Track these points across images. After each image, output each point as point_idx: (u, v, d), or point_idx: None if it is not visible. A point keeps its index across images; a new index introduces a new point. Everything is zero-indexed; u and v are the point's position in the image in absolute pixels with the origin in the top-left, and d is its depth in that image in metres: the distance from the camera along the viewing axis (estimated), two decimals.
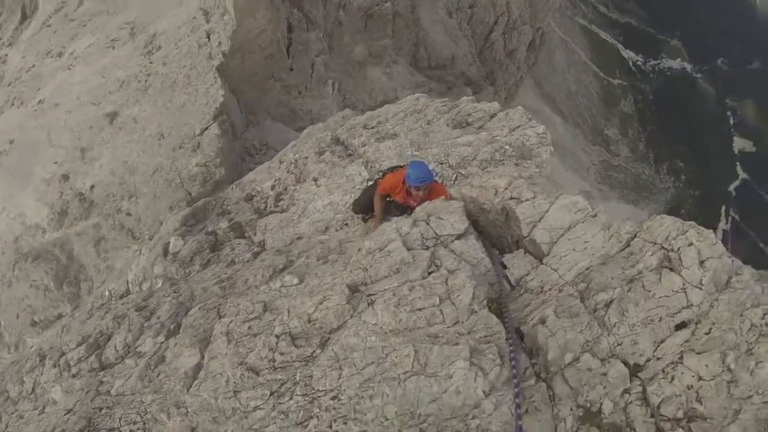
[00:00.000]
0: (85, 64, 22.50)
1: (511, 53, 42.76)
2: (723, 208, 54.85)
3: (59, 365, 8.92)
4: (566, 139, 49.48)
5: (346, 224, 11.58)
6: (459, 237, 7.28)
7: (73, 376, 8.56)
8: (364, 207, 10.90)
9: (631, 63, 62.29)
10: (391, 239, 6.99)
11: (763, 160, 57.40)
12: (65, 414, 7.66)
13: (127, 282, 13.12)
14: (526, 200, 7.59)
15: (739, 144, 58.95)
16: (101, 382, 8.10)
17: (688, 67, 63.97)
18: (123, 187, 18.51)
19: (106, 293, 13.55)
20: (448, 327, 5.79)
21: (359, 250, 7.25)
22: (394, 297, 6.04)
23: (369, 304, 6.19)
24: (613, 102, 58.16)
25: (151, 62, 21.37)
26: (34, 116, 21.05)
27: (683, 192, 55.08)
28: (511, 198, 7.76)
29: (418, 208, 8.17)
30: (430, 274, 6.48)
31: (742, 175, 56.86)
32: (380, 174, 11.10)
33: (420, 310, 5.89)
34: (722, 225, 53.68)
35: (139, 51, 22.06)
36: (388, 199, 10.34)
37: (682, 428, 5.03)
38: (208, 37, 21.26)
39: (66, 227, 18.25)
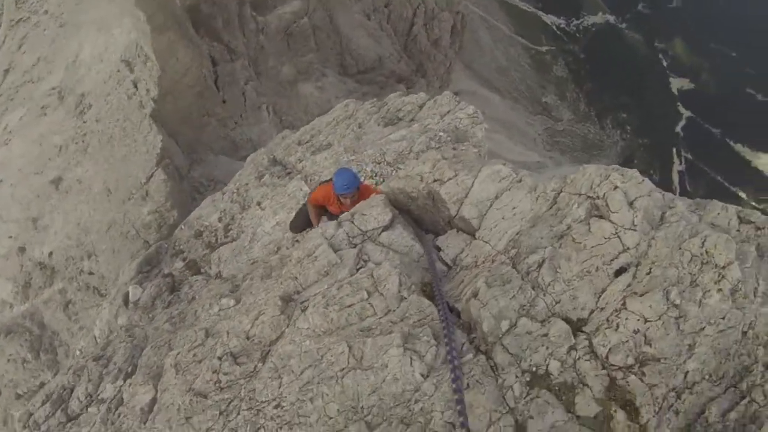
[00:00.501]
0: (20, 137, 22.40)
1: (436, 42, 43.03)
2: (674, 150, 55.21)
3: (29, 426, 8.97)
4: (507, 114, 49.75)
5: (297, 241, 11.62)
6: (385, 229, 7.33)
7: None
8: (301, 226, 10.92)
9: (554, 27, 62.59)
10: (317, 244, 7.04)
11: (702, 94, 57.92)
12: None
13: (95, 338, 13.11)
14: (449, 179, 7.63)
15: (677, 84, 59.36)
16: None
17: (611, 18, 64.37)
18: (81, 248, 18.50)
19: (78, 352, 13.54)
20: (380, 318, 5.84)
21: (289, 260, 7.33)
22: (323, 299, 6.08)
23: (302, 311, 6.24)
24: (545, 69, 58.38)
25: (84, 122, 21.33)
26: None
27: (632, 142, 55.39)
28: (434, 180, 7.80)
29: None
30: (358, 270, 6.52)
31: (686, 113, 57.25)
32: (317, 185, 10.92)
33: (349, 306, 5.93)
34: (677, 167, 54.03)
35: (71, 113, 21.99)
36: (324, 211, 10.27)
37: (635, 374, 5.02)
38: (136, 87, 21.22)
39: (32, 298, 18.22)
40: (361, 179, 10.14)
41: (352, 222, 7.37)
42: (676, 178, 52.75)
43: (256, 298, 7.12)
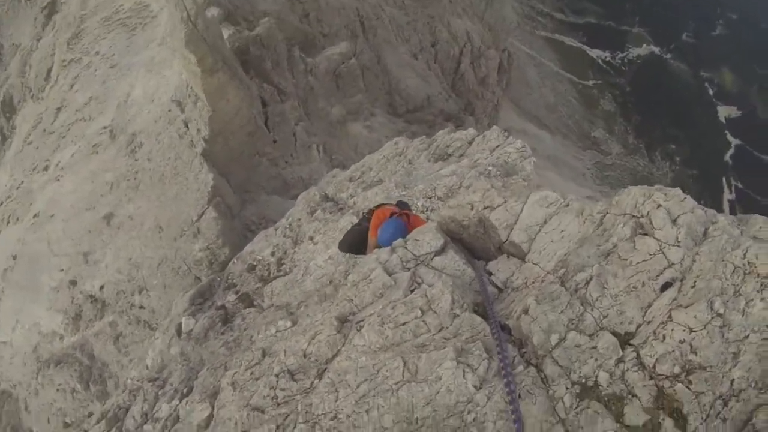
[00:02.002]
0: (72, 173, 22.96)
1: (483, 80, 43.23)
2: (723, 179, 54.54)
3: None
4: (557, 150, 49.66)
5: (348, 274, 11.77)
6: (438, 253, 7.46)
7: None
8: (350, 245, 10.43)
9: (600, 61, 62.62)
10: (372, 268, 7.20)
11: (750, 121, 57.33)
12: None
13: (147, 367, 13.30)
14: (498, 206, 7.79)
15: (724, 112, 58.92)
16: None
17: (656, 49, 64.25)
18: (132, 282, 18.80)
19: (129, 381, 13.76)
20: (434, 335, 5.94)
21: (345, 284, 7.49)
22: (379, 317, 6.22)
23: (358, 330, 6.38)
24: (592, 103, 58.32)
25: (136, 160, 21.81)
26: (32, 230, 21.45)
27: (681, 173, 54.86)
28: (485, 207, 7.96)
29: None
30: (412, 291, 6.65)
31: (734, 141, 56.64)
32: (366, 213, 10.38)
33: (404, 324, 6.05)
34: (727, 195, 53.41)
35: (122, 151, 22.50)
36: None
37: (682, 383, 5.07)
38: (187, 126, 21.67)
39: (83, 330, 18.51)
40: (413, 211, 10.08)
41: (405, 247, 7.52)
42: (726, 207, 52.10)
43: (312, 320, 7.27)
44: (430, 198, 12.70)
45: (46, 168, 24.54)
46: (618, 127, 57.34)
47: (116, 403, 9.39)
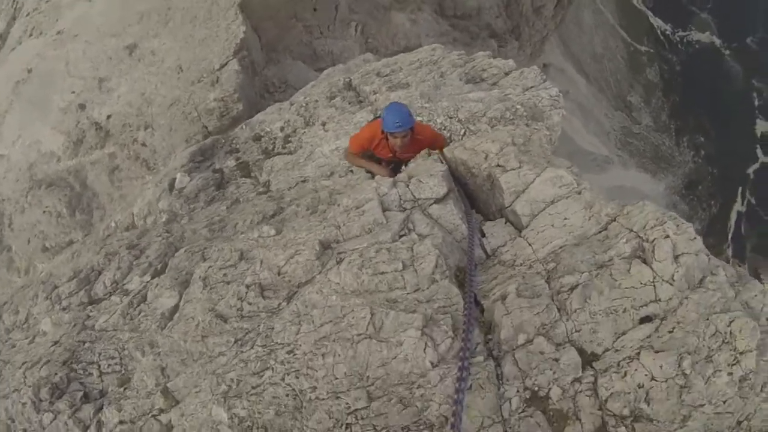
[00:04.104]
0: None
1: (539, 9, 42.03)
2: (740, 189, 54.04)
3: (51, 298, 9.16)
4: (589, 101, 48.77)
5: (351, 171, 11.66)
6: (438, 201, 7.35)
7: (63, 309, 8.79)
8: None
9: (659, 31, 60.69)
10: (368, 198, 7.10)
11: None
12: (52, 345, 7.94)
13: (132, 215, 13.33)
14: (512, 169, 7.60)
15: (762, 127, 57.72)
16: (88, 317, 8.33)
17: (717, 41, 62.33)
18: (140, 118, 18.63)
19: (113, 224, 13.79)
20: (408, 293, 5.93)
21: (337, 205, 7.41)
22: (360, 258, 6.17)
23: (337, 263, 6.34)
24: (638, 69, 56.81)
25: None
26: (53, 46, 21.04)
27: (702, 168, 54.04)
28: (498, 165, 7.78)
29: (404, 169, 8.19)
30: (401, 237, 6.59)
31: (763, 158, 55.86)
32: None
33: (382, 273, 6.01)
34: (737, 206, 52.91)
35: None
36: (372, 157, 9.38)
37: (626, 426, 5.12)
38: None
39: (81, 155, 18.40)
40: (417, 118, 9.46)
41: (408, 186, 7.40)
42: (734, 216, 51.72)
43: (296, 235, 7.19)
44: (451, 118, 12.47)
45: None
46: (655, 101, 55.93)
47: (90, 263, 9.38)
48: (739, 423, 5.24)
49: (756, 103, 58.41)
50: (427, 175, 7.54)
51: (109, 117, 18.58)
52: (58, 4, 22.96)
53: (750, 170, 54.28)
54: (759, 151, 55.10)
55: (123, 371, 7.15)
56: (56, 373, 7.13)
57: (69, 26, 21.49)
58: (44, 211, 17.49)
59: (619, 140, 49.84)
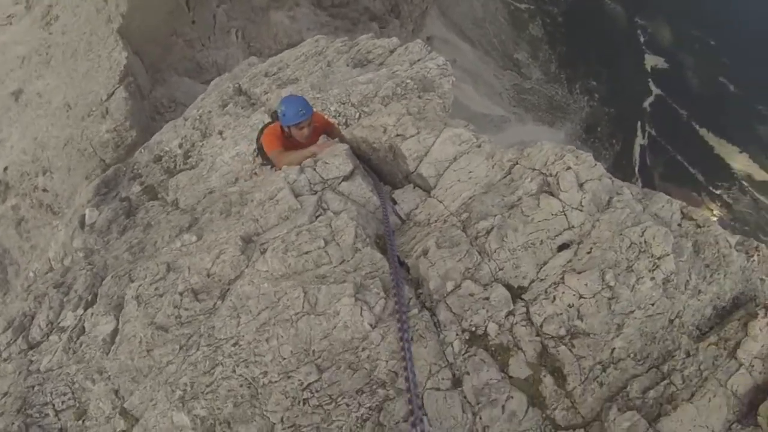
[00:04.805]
0: None
1: None
2: (639, 123, 55.39)
3: None
4: (477, 66, 49.39)
5: (255, 173, 11.77)
6: (346, 178, 7.55)
7: (5, 360, 8.72)
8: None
9: None
10: (279, 188, 7.27)
11: (675, 76, 57.91)
12: (2, 397, 7.89)
13: (49, 260, 13.14)
14: (411, 136, 7.88)
15: (651, 61, 59.11)
16: (31, 362, 8.27)
17: None
18: (36, 164, 18.38)
19: (31, 274, 13.56)
20: (335, 267, 6.11)
21: (251, 201, 7.58)
22: (283, 243, 6.32)
23: (261, 253, 6.51)
24: (521, 26, 57.63)
25: (50, 33, 21.05)
26: None
27: (598, 110, 55.21)
28: (397, 135, 8.04)
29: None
30: (317, 218, 6.77)
31: (656, 91, 57.23)
32: (259, 133, 9.75)
33: (307, 253, 6.18)
34: (639, 140, 54.25)
35: (37, 24, 21.66)
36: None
37: (566, 345, 5.43)
38: (105, 1, 20.94)
39: None
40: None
41: (314, 169, 7.59)
42: (637, 150, 53.06)
43: (217, 236, 7.32)
44: (343, 104, 12.65)
45: None
46: (542, 54, 56.89)
47: (21, 309, 9.31)
48: (671, 321, 5.69)
49: (642, 39, 59.96)
50: (331, 156, 7.73)
51: (5, 169, 18.28)
52: None
53: (646, 103, 55.76)
54: (652, 84, 56.61)
55: (77, 404, 7.16)
56: (13, 423, 7.10)
57: None
58: None
59: (512, 98, 50.59)
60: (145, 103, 20.64)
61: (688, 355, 5.57)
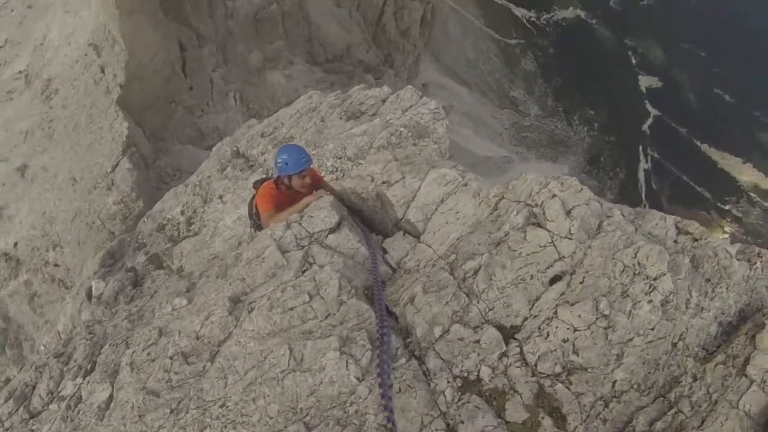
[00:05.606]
0: None
1: (405, 32, 43.01)
2: (640, 148, 55.45)
3: None
4: (475, 108, 49.79)
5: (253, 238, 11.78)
6: (332, 231, 7.51)
7: (6, 430, 8.79)
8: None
9: (525, 21, 62.36)
10: (266, 245, 7.26)
11: (670, 93, 58.19)
12: None
13: (59, 333, 13.20)
14: (396, 182, 7.90)
15: (645, 82, 59.51)
16: (31, 431, 8.37)
17: (582, 14, 64.27)
18: (46, 239, 18.54)
19: (42, 348, 13.64)
20: (321, 321, 6.04)
21: (240, 261, 7.57)
22: (268, 301, 6.29)
23: (248, 312, 6.47)
24: (514, 63, 58.16)
25: (51, 107, 21.40)
26: None
27: (599, 139, 55.42)
28: (383, 182, 8.06)
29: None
30: (303, 273, 6.73)
31: (654, 111, 57.43)
32: (253, 193, 9.56)
33: (292, 309, 6.13)
34: (643, 165, 54.32)
35: (37, 98, 22.04)
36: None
37: (562, 382, 5.23)
38: (103, 72, 21.28)
39: None
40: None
41: (300, 224, 7.57)
42: (642, 176, 53.15)
43: (207, 299, 7.30)
44: (339, 158, 12.72)
45: None
46: (538, 89, 57.41)
47: (23, 380, 9.37)
48: (674, 345, 5.44)
49: (634, 61, 60.24)
50: (316, 210, 7.73)
51: (15, 245, 18.44)
52: None
53: (645, 126, 55.85)
54: (648, 105, 56.73)
55: None
56: None
57: None
58: None
59: (513, 137, 50.81)
60: (150, 172, 20.82)
61: (695, 378, 5.33)
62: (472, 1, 60.74)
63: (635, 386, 5.27)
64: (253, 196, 9.40)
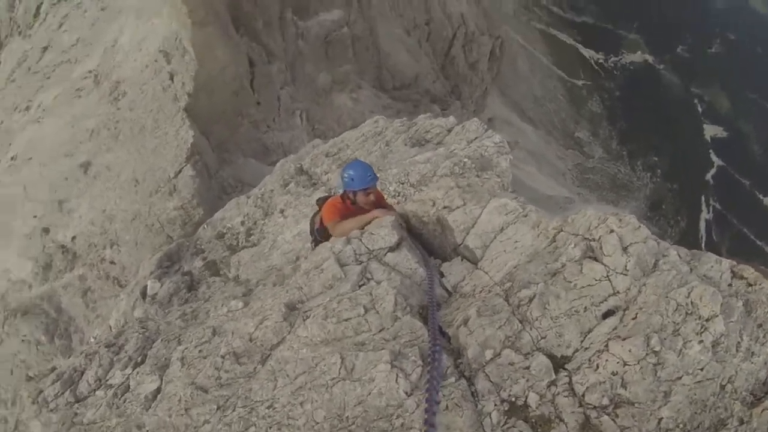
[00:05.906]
0: (54, 116, 22.92)
1: (474, 65, 43.13)
2: (702, 198, 54.77)
3: (38, 402, 9.29)
4: (539, 146, 49.71)
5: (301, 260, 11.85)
6: (392, 249, 7.60)
7: (51, 410, 8.94)
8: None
9: (593, 62, 62.34)
10: (325, 258, 7.37)
11: (735, 144, 57.50)
12: None
13: (110, 327, 13.40)
14: (457, 207, 7.97)
15: (711, 131, 58.98)
16: (75, 414, 8.49)
17: (650, 59, 64.09)
18: (104, 236, 18.83)
19: (92, 340, 13.84)
20: (374, 334, 6.11)
21: (299, 271, 7.68)
22: (324, 310, 6.38)
23: (303, 320, 6.56)
24: (580, 103, 58.08)
25: (118, 109, 21.84)
26: (9, 172, 21.41)
27: (661, 186, 54.89)
28: (444, 207, 8.14)
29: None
30: (360, 287, 6.82)
31: (718, 162, 56.77)
32: (316, 210, 9.70)
33: (347, 320, 6.21)
34: (704, 215, 53.65)
35: (105, 99, 22.50)
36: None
37: (608, 415, 5.15)
38: (172, 79, 21.68)
39: (51, 280, 18.50)
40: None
41: (360, 240, 7.69)
42: (702, 226, 52.49)
43: (263, 304, 7.41)
44: (402, 183, 12.78)
45: (27, 108, 24.44)
46: (603, 131, 57.25)
47: (72, 365, 9.55)
48: (722, 387, 5.35)
49: (699, 109, 59.66)
50: (377, 227, 7.84)
51: (74, 238, 18.75)
52: (8, 129, 23.30)
53: (708, 176, 55.12)
54: (713, 155, 56.03)
55: None
56: None
57: (22, 150, 21.81)
58: (23, 340, 17.46)
59: (576, 178, 50.51)
60: (213, 182, 21.08)
61: (741, 422, 5.25)
62: (541, 39, 60.93)
63: (681, 425, 5.17)
64: (315, 212, 9.52)
